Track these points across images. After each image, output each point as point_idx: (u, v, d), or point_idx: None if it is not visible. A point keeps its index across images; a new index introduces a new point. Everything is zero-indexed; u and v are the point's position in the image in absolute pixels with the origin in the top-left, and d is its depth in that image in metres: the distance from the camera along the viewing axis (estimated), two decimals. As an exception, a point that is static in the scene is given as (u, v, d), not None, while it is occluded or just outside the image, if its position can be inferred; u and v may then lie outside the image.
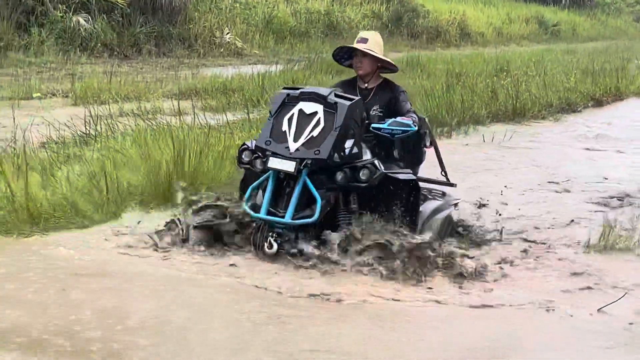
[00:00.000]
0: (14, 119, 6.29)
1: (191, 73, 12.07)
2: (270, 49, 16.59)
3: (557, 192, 6.15)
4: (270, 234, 3.34)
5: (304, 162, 3.22)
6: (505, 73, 12.29)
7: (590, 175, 6.66)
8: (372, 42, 3.94)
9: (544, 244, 4.32)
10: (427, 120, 4.26)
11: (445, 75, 11.69)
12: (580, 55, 17.37)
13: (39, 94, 9.96)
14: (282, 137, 3.36)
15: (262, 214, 3.32)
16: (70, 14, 13.89)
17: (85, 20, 14.06)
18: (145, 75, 11.74)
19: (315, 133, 3.32)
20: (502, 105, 9.57)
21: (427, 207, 4.05)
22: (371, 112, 3.91)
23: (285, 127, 3.38)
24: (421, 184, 4.05)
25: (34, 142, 5.99)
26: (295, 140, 3.31)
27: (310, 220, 3.26)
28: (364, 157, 3.54)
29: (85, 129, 6.16)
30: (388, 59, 4.04)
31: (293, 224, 3.31)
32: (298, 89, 3.60)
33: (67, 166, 5.12)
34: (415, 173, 4.08)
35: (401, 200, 3.60)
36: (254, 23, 17.41)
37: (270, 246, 3.31)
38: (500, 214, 5.19)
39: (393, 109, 3.91)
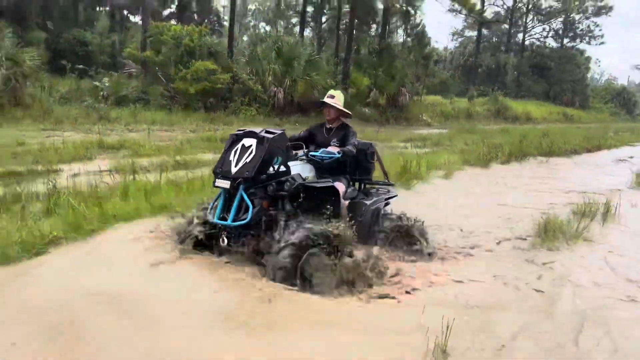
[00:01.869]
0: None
1: (410, 132, 22.97)
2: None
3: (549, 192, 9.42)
4: (223, 233, 4.07)
5: (238, 181, 3.93)
6: (545, 135, 20.56)
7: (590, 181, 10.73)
8: (338, 98, 5.17)
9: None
10: (373, 145, 5.51)
11: (519, 135, 20.75)
12: (582, 130, 28.64)
13: None
14: (228, 164, 4.05)
15: (214, 219, 4.05)
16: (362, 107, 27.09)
17: (367, 111, 26.96)
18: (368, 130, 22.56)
19: (248, 160, 4.00)
20: (543, 148, 15.60)
21: (365, 201, 4.99)
22: (331, 142, 5.09)
23: (231, 157, 4.08)
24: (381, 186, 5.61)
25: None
26: (236, 165, 4.01)
27: (244, 222, 3.90)
28: (299, 173, 4.44)
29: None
30: (346, 110, 5.20)
31: (232, 226, 3.94)
32: (242, 130, 4.25)
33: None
34: (369, 179, 5.54)
35: (324, 200, 4.38)
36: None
37: (223, 241, 4.07)
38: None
39: (343, 141, 5.06)
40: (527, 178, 11.24)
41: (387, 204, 5.42)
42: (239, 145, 4.17)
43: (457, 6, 46.78)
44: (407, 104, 30.88)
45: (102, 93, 21.52)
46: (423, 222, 5.30)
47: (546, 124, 35.08)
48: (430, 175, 10.56)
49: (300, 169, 4.62)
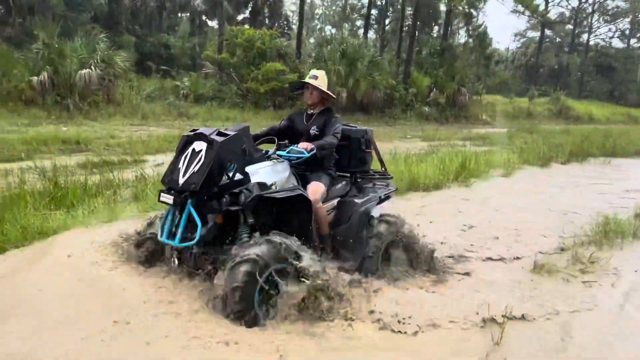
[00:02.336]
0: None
1: (469, 131, 22.37)
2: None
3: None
4: (173, 252, 3.41)
5: (183, 195, 3.16)
6: (608, 136, 19.07)
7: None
8: (321, 79, 4.11)
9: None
10: (369, 131, 4.45)
11: (580, 135, 19.40)
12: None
13: (409, 136, 20.41)
14: (176, 173, 3.25)
15: (162, 238, 3.27)
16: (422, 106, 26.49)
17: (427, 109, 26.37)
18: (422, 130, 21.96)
19: (196, 168, 3.19)
20: (606, 148, 15.12)
21: (356, 199, 4.12)
22: (311, 131, 4.09)
23: (180, 164, 3.28)
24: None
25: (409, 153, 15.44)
26: (184, 175, 3.21)
27: (191, 243, 3.16)
28: (262, 180, 3.47)
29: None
30: (329, 92, 4.15)
31: (178, 247, 3.23)
32: (195, 130, 3.40)
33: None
34: (366, 170, 4.52)
35: (290, 211, 3.59)
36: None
37: (174, 262, 3.43)
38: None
39: (324, 129, 4.07)
40: (588, 178, 10.69)
41: (384, 200, 4.52)
42: (190, 150, 3.35)
43: (520, 7, 44.80)
44: (467, 104, 30.07)
45: (182, 92, 22.41)
46: (423, 235, 4.53)
47: (609, 125, 32.90)
48: (489, 173, 10.28)
49: (267, 172, 3.66)
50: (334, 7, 53.02)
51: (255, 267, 3.04)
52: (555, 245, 5.48)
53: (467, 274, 4.48)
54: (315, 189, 3.86)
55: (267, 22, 37.75)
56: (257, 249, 3.11)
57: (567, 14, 52.90)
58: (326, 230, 3.94)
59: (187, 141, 3.40)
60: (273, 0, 37.38)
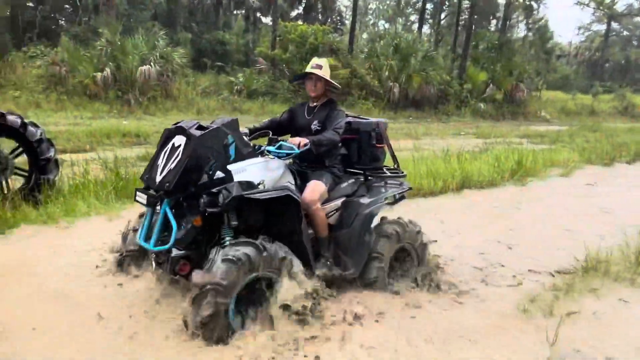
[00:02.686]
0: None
1: (527, 128, 21.65)
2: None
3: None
4: (152, 256, 3.19)
5: (158, 194, 2.93)
6: None
7: None
8: (325, 68, 3.73)
9: None
10: (382, 123, 3.98)
11: None
12: None
13: (462, 133, 19.99)
14: (154, 171, 3.00)
15: (139, 240, 3.07)
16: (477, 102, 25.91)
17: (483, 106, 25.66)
18: (480, 125, 21.43)
19: (172, 165, 2.92)
20: None
21: (362, 200, 3.71)
22: (312, 126, 3.72)
23: (159, 160, 3.02)
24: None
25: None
26: (161, 173, 2.95)
27: (165, 247, 2.92)
28: (246, 179, 3.12)
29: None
30: (335, 83, 3.80)
31: (153, 250, 3.00)
32: (177, 123, 3.13)
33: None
34: (378, 167, 4.05)
35: (281, 214, 3.26)
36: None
37: (152, 266, 3.25)
38: None
39: (326, 123, 3.69)
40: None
41: (397, 201, 4.17)
42: (170, 145, 3.07)
43: (585, -1, 42.73)
44: (525, 100, 29.02)
45: (236, 87, 22.86)
46: (429, 242, 4.24)
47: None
48: (547, 172, 9.90)
49: (257, 170, 3.30)
50: (388, 2, 52.43)
51: (220, 294, 2.79)
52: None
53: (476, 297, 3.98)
54: (313, 189, 3.54)
55: (320, 17, 37.85)
56: (221, 271, 2.81)
57: (636, 5, 49.87)
58: (324, 233, 3.60)
59: (168, 135, 3.15)
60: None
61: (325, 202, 3.64)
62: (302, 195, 3.45)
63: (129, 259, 3.67)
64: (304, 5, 37.65)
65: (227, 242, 3.04)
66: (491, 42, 31.13)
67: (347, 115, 3.96)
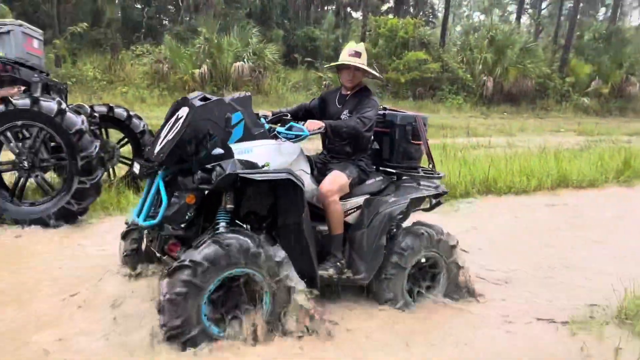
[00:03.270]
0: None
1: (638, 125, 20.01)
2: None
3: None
4: (143, 231, 3.04)
5: (152, 165, 2.78)
6: None
7: None
8: (364, 56, 3.36)
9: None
10: (422, 118, 3.52)
11: None
12: None
13: (562, 129, 18.76)
14: (156, 142, 2.85)
15: (133, 215, 2.91)
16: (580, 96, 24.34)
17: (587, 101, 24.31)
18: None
19: (170, 136, 2.75)
20: None
21: (375, 204, 3.30)
22: (342, 116, 3.37)
23: (163, 132, 2.86)
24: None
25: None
26: (160, 144, 2.79)
27: (152, 222, 2.72)
28: (265, 159, 2.88)
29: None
30: (376, 73, 3.54)
31: (142, 226, 2.81)
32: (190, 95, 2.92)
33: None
34: (412, 167, 3.59)
35: (274, 197, 2.97)
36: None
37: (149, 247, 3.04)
38: None
39: (354, 112, 3.32)
40: None
41: (433, 207, 3.73)
42: (175, 117, 2.89)
43: None
44: (637, 94, 26.45)
45: (324, 82, 23.12)
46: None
47: None
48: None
49: (265, 152, 2.95)
50: (483, -8, 50.21)
51: (198, 276, 2.52)
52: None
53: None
54: (333, 179, 3.19)
55: (411, 11, 37.14)
56: (204, 252, 2.56)
57: None
58: (338, 230, 3.22)
59: (175, 108, 2.97)
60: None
61: (347, 197, 3.31)
62: (320, 185, 3.17)
63: (129, 258, 3.30)
64: (395, -1, 37.11)
65: (221, 227, 2.81)
66: (598, 32, 28.72)
67: (384, 108, 3.65)
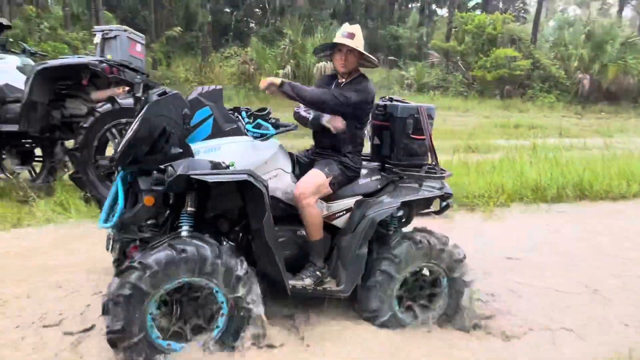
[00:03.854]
0: None
1: None
2: None
3: None
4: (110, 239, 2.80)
5: (110, 166, 2.55)
6: None
7: None
8: (358, 37, 3.00)
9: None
10: (426, 109, 3.07)
11: None
12: None
13: None
14: (121, 141, 2.66)
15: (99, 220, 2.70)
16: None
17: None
18: None
19: (127, 135, 2.58)
20: None
21: (364, 206, 2.96)
22: None
23: (129, 129, 2.61)
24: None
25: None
26: (120, 142, 2.63)
27: (107, 225, 2.59)
28: (232, 157, 2.70)
29: None
30: (370, 56, 3.08)
31: (100, 227, 2.64)
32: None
33: None
34: (416, 164, 3.13)
35: (232, 201, 2.73)
36: None
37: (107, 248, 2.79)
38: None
39: None
40: None
41: (443, 210, 3.28)
42: (137, 115, 2.66)
43: None
44: None
45: (406, 81, 22.85)
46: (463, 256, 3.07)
47: None
48: None
49: (234, 149, 2.73)
50: (581, -16, 47.04)
51: (145, 280, 2.33)
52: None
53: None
54: (307, 179, 2.89)
55: (500, 6, 35.66)
56: (156, 255, 2.37)
57: None
58: (315, 236, 2.91)
59: (141, 104, 2.71)
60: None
61: (334, 199, 3.02)
62: (296, 185, 2.89)
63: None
64: (483, -7, 35.82)
65: (183, 230, 2.58)
66: None
67: (390, 99, 3.27)
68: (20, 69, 5.82)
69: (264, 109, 3.07)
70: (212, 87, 2.88)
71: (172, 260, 2.35)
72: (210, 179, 2.46)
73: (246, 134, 2.85)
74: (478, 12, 28.05)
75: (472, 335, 3.00)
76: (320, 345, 2.72)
